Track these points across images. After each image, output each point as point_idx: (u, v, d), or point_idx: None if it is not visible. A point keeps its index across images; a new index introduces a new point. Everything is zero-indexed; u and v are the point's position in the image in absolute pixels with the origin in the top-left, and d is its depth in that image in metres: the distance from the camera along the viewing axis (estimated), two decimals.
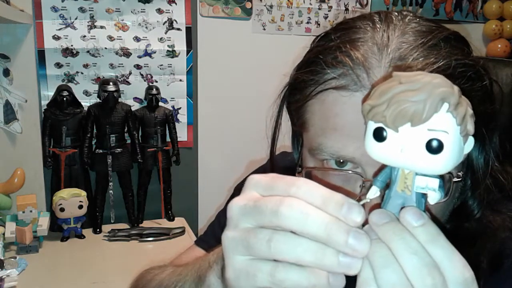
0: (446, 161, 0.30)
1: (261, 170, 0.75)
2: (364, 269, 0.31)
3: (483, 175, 0.50)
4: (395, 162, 0.31)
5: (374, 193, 0.34)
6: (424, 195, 0.32)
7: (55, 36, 1.35)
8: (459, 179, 0.46)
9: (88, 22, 1.37)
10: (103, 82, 1.32)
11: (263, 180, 0.36)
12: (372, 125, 0.31)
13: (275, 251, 0.32)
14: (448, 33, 0.48)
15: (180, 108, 1.51)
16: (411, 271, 0.30)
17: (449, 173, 0.45)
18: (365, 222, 0.32)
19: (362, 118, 0.34)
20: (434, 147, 0.29)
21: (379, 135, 0.31)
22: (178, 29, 1.46)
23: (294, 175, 0.48)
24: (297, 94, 0.51)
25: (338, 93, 0.45)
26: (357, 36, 0.47)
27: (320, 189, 0.33)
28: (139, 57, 1.43)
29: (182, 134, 1.51)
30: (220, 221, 0.75)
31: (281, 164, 0.67)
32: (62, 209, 1.20)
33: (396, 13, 0.49)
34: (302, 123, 0.51)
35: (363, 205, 0.32)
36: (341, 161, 0.47)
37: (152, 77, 1.46)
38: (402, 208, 0.32)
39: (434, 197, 0.32)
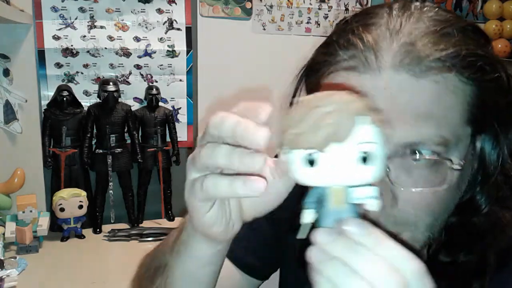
0: (376, 169, 0.32)
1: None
2: None
3: (494, 170, 0.50)
4: (331, 182, 0.32)
5: (310, 217, 0.34)
6: (357, 205, 0.33)
7: (55, 36, 1.35)
8: (459, 168, 0.46)
9: (88, 22, 1.37)
10: (103, 82, 1.32)
11: (200, 136, 0.39)
12: (300, 153, 0.31)
13: (205, 156, 0.37)
14: (465, 24, 0.48)
15: (180, 108, 1.51)
16: (373, 278, 0.31)
17: (449, 159, 0.45)
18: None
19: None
20: (366, 159, 0.31)
21: (312, 160, 0.31)
22: (178, 29, 1.46)
23: None
24: (313, 75, 0.53)
25: (347, 74, 0.46)
26: (372, 21, 0.48)
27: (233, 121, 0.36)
28: (139, 57, 1.43)
29: (182, 134, 1.51)
30: None
31: None
32: (62, 209, 1.20)
33: (416, 3, 0.49)
34: None
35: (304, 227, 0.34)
36: None
37: (152, 77, 1.46)
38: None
39: (373, 203, 0.33)
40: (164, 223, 1.38)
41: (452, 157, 0.46)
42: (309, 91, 0.53)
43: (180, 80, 1.49)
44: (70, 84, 1.36)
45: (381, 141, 0.32)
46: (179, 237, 0.49)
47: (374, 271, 0.32)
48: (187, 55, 1.48)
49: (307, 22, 1.66)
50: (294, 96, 0.56)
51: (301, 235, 0.34)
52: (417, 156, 0.45)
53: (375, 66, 0.45)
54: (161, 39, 1.45)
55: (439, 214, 0.50)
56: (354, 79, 0.46)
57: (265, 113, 0.35)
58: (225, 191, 0.36)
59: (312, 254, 0.33)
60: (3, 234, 1.10)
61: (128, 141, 1.38)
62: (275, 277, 1.30)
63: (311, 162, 0.32)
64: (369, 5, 1.74)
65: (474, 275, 0.52)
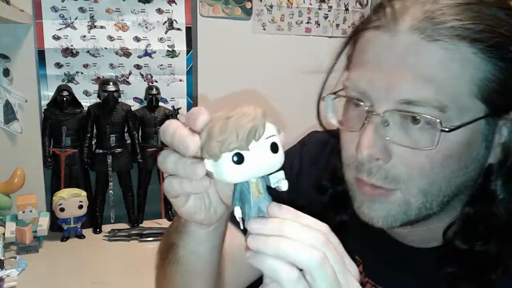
0: (282, 155, 0.40)
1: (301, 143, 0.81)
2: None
3: None
4: (256, 173, 0.39)
5: (238, 213, 0.42)
6: (271, 190, 0.41)
7: (55, 36, 1.35)
8: (450, 129, 0.48)
9: (88, 22, 1.37)
10: (103, 82, 1.32)
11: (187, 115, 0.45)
12: (228, 155, 0.38)
13: (159, 162, 0.45)
14: (497, 3, 0.50)
15: (180, 108, 1.51)
16: (291, 254, 0.38)
17: (439, 122, 0.48)
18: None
19: (382, 58, 0.49)
20: (275, 148, 0.39)
21: (239, 159, 0.38)
22: (178, 29, 1.46)
23: (332, 148, 0.69)
24: (353, 37, 0.57)
25: (371, 33, 0.52)
26: None
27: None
28: (139, 57, 1.43)
29: None
30: None
31: (321, 138, 0.77)
32: (62, 209, 1.20)
33: None
34: (348, 64, 0.56)
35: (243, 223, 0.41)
36: (360, 100, 0.52)
37: (152, 77, 1.46)
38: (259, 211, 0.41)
39: (284, 184, 0.41)
40: (164, 223, 1.38)
41: (445, 121, 0.48)
42: (348, 57, 0.57)
43: (180, 80, 1.49)
44: (70, 84, 1.36)
45: (278, 134, 0.40)
46: (180, 220, 0.56)
47: (306, 238, 0.39)
48: (187, 55, 1.48)
49: (307, 22, 1.66)
50: (336, 59, 0.61)
51: (242, 227, 0.41)
52: (413, 114, 0.48)
53: (394, 27, 0.49)
54: (161, 39, 1.45)
55: (434, 181, 0.51)
56: (376, 37, 0.51)
57: (201, 119, 0.41)
58: (178, 189, 0.44)
59: (248, 241, 0.40)
60: (3, 234, 1.10)
61: (128, 141, 1.38)
62: None
63: (241, 160, 0.38)
64: (369, 5, 1.73)
65: (491, 266, 0.53)
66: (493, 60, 0.48)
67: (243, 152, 0.38)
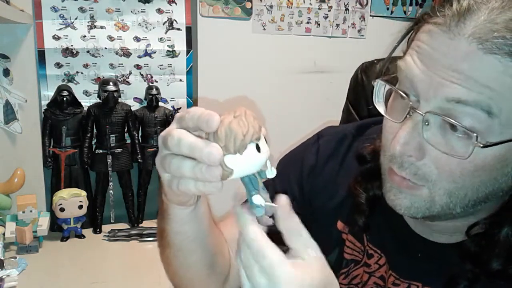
0: (264, 153, 0.47)
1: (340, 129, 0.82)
2: None
3: None
4: (251, 170, 0.47)
5: (260, 200, 0.48)
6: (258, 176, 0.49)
7: (55, 36, 1.35)
8: (485, 145, 0.49)
9: (88, 22, 1.37)
10: (103, 82, 1.31)
11: (178, 116, 0.51)
12: (252, 146, 0.46)
13: (174, 168, 0.49)
14: None
15: (180, 108, 1.51)
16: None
17: (475, 133, 0.48)
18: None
19: (437, 56, 0.49)
20: (260, 149, 0.46)
21: (258, 147, 0.46)
22: (178, 29, 1.46)
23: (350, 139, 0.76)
24: (416, 24, 0.56)
25: (433, 27, 0.51)
26: None
27: (200, 111, 0.48)
28: (139, 57, 1.43)
29: None
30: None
31: (340, 131, 0.79)
32: (62, 209, 1.20)
33: None
34: (407, 47, 0.57)
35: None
36: (407, 94, 0.53)
37: (152, 77, 1.46)
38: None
39: (273, 172, 0.49)
40: None
41: (483, 134, 0.48)
42: (409, 40, 0.57)
43: (180, 80, 1.49)
44: (70, 84, 1.36)
45: (262, 137, 0.47)
46: (163, 207, 0.63)
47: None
48: (187, 55, 1.48)
49: (307, 22, 1.66)
50: (399, 43, 0.60)
51: (263, 212, 0.48)
52: (453, 122, 0.49)
53: (455, 29, 0.49)
54: (161, 39, 1.45)
55: (462, 187, 0.52)
56: (436, 34, 0.50)
57: (215, 123, 0.46)
58: (194, 190, 0.48)
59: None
60: (3, 234, 1.10)
61: (128, 141, 1.38)
62: None
63: (259, 150, 0.46)
64: (369, 5, 1.73)
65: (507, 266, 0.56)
66: None
67: (259, 143, 0.46)
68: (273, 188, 0.80)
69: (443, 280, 0.61)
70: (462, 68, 0.48)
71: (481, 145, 0.48)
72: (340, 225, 0.74)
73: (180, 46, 1.47)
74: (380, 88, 0.58)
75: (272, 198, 0.49)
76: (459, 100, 0.48)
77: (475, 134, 0.48)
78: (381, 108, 0.58)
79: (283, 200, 0.48)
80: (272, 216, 0.48)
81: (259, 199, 0.48)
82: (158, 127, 1.38)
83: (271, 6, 1.59)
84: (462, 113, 0.48)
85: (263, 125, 0.48)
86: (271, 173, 0.49)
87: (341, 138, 0.78)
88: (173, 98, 1.50)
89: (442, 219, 0.58)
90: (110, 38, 1.40)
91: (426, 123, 0.51)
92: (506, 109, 0.48)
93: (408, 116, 0.52)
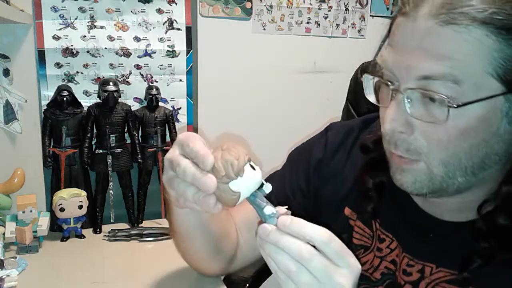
0: (258, 170, 0.56)
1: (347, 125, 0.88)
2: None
3: None
4: (252, 188, 0.56)
5: (272, 209, 0.55)
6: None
7: (55, 36, 1.35)
8: (459, 105, 0.53)
9: (88, 22, 1.37)
10: (103, 82, 1.31)
11: (180, 141, 0.60)
12: (247, 166, 0.55)
13: (180, 191, 0.59)
14: None
15: (180, 108, 1.51)
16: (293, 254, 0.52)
17: (448, 98, 0.53)
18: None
19: (404, 41, 0.56)
20: (254, 167, 0.56)
21: (252, 166, 0.56)
22: (178, 29, 1.46)
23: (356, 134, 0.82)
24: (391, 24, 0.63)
25: (399, 18, 0.58)
26: None
27: (198, 149, 0.57)
28: (139, 57, 1.43)
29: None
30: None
31: (346, 125, 0.86)
32: (62, 209, 1.20)
33: None
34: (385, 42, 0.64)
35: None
36: (389, 81, 0.59)
37: (152, 77, 1.46)
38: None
39: (269, 187, 0.57)
40: (164, 223, 1.38)
41: (457, 99, 0.53)
42: (386, 37, 0.65)
43: (180, 80, 1.49)
44: (70, 84, 1.36)
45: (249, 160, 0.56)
46: (167, 201, 0.73)
47: (297, 250, 0.51)
48: (187, 55, 1.48)
49: (307, 22, 1.66)
50: (383, 41, 0.66)
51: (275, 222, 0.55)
52: (428, 92, 0.55)
53: (415, 14, 0.55)
54: (161, 39, 1.45)
55: (454, 153, 0.57)
56: (402, 23, 0.57)
57: (209, 163, 0.55)
58: (198, 209, 0.59)
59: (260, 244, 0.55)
60: (3, 234, 1.10)
61: (128, 141, 1.38)
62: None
63: (253, 168, 0.56)
64: (369, 5, 1.73)
65: None
66: (505, 40, 0.52)
67: (252, 166, 0.55)
68: (282, 179, 0.87)
69: (456, 260, 0.63)
70: (425, 46, 0.54)
71: (455, 106, 0.53)
72: (347, 211, 0.78)
73: (180, 46, 1.47)
74: (368, 81, 0.64)
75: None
76: (426, 77, 0.54)
77: (447, 98, 0.53)
78: (372, 98, 0.64)
79: (283, 210, 0.55)
80: None
81: (270, 209, 0.54)
82: (158, 127, 1.38)
83: (271, 6, 1.59)
84: (434, 85, 0.54)
85: (249, 150, 0.56)
86: (268, 188, 0.57)
87: (348, 131, 0.83)
88: (173, 98, 1.50)
89: (449, 193, 0.61)
90: (110, 38, 1.40)
91: (409, 100, 0.56)
92: (472, 72, 0.53)
93: (392, 98, 0.58)
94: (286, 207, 0.55)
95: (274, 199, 0.59)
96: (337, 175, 0.81)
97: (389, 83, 0.58)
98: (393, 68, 0.58)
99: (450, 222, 0.66)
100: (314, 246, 0.52)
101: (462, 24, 0.52)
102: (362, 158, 0.76)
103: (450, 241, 0.66)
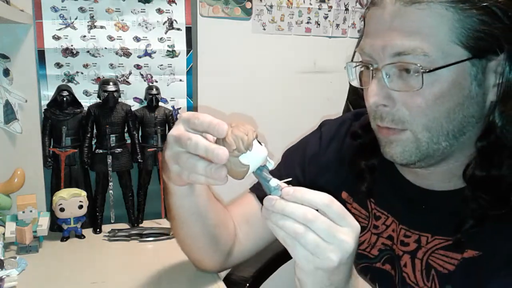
0: (264, 146, 0.60)
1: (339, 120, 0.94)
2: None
3: None
4: (260, 160, 0.60)
5: (277, 181, 0.59)
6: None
7: (55, 36, 1.35)
8: (430, 70, 0.60)
9: (88, 22, 1.37)
10: (103, 82, 1.31)
11: (185, 118, 0.62)
12: (255, 142, 0.59)
13: (189, 166, 0.61)
14: None
15: (180, 108, 1.51)
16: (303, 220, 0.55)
17: (420, 66, 0.60)
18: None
19: (377, 27, 0.64)
20: (261, 143, 0.59)
21: (260, 143, 0.59)
22: (178, 29, 1.46)
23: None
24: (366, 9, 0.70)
25: (370, 10, 0.66)
26: None
27: (210, 119, 0.60)
28: (139, 57, 1.43)
29: None
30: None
31: (338, 120, 0.93)
32: (62, 209, 1.20)
33: None
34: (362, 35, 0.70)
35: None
36: (369, 63, 0.66)
37: (152, 77, 1.46)
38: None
39: (272, 163, 0.61)
40: (164, 223, 1.38)
41: (430, 68, 0.60)
42: (362, 30, 0.71)
43: (180, 80, 1.49)
44: (70, 84, 1.36)
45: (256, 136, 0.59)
46: (166, 186, 0.76)
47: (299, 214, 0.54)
48: (187, 55, 1.48)
49: (307, 22, 1.66)
50: (360, 37, 0.71)
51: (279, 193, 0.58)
52: (402, 64, 0.61)
53: (382, 3, 0.63)
54: (161, 39, 1.45)
55: (434, 118, 0.63)
56: (373, 12, 0.65)
57: (225, 130, 0.58)
58: (203, 181, 0.62)
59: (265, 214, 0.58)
60: (3, 234, 1.10)
61: (128, 141, 1.38)
62: (281, 275, 1.30)
63: (260, 143, 0.59)
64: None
65: (509, 189, 0.63)
66: (464, 11, 0.59)
67: (252, 145, 0.58)
68: (278, 172, 0.92)
69: (450, 227, 0.67)
70: (395, 26, 0.61)
71: (427, 71, 0.60)
72: (344, 194, 0.84)
73: (180, 46, 1.47)
74: (351, 69, 0.71)
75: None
76: (400, 53, 0.61)
77: (419, 65, 0.60)
78: (355, 83, 0.71)
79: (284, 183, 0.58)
80: None
81: (275, 181, 0.58)
82: (158, 127, 1.38)
83: (271, 6, 1.59)
84: (407, 58, 0.60)
85: (256, 128, 0.60)
86: (271, 164, 0.60)
87: (341, 123, 0.91)
88: (173, 98, 1.50)
89: (435, 158, 0.66)
90: (110, 38, 1.40)
91: (388, 76, 0.63)
92: (438, 43, 0.59)
93: (373, 77, 0.64)
94: (290, 179, 0.60)
95: None
96: (333, 164, 0.87)
97: (369, 65, 0.65)
98: (371, 52, 0.64)
99: (440, 191, 0.71)
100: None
101: (424, 2, 0.59)
102: (354, 145, 0.82)
103: (442, 210, 0.70)
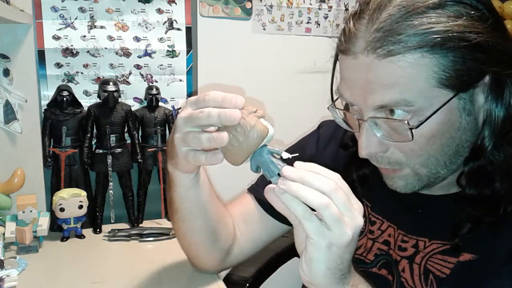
0: (271, 129, 0.62)
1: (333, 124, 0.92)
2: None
3: (500, 115, 0.61)
4: (272, 130, 0.61)
5: (287, 155, 0.60)
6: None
7: (55, 36, 1.35)
8: (417, 125, 0.59)
9: (88, 22, 1.37)
10: (103, 82, 1.31)
11: (192, 100, 0.65)
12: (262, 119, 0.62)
13: (194, 141, 0.63)
14: (427, 4, 0.57)
15: (180, 108, 1.51)
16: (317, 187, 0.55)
17: (406, 121, 0.58)
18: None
19: (353, 76, 0.62)
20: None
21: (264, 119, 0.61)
22: (178, 29, 1.46)
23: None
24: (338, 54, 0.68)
25: (341, 56, 0.64)
26: (363, 9, 0.62)
27: (223, 94, 0.61)
28: (139, 57, 1.43)
29: None
30: None
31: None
32: (62, 209, 1.20)
33: None
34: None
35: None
36: (350, 111, 0.66)
37: (152, 77, 1.46)
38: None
39: (286, 153, 0.61)
40: (164, 223, 1.38)
41: (417, 114, 0.58)
42: (334, 61, 0.70)
43: (180, 80, 1.49)
44: (70, 84, 1.36)
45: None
46: (169, 177, 0.79)
47: (306, 193, 0.54)
48: (187, 55, 1.48)
49: (307, 22, 1.66)
50: (332, 74, 0.72)
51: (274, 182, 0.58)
52: (386, 119, 0.60)
53: (353, 51, 0.60)
54: (161, 39, 1.45)
55: (429, 156, 0.62)
56: (344, 60, 0.63)
57: (243, 101, 0.59)
58: (204, 162, 0.64)
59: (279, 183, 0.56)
60: (3, 234, 1.10)
61: (128, 141, 1.38)
62: (281, 275, 1.30)
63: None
64: (369, 5, 1.74)
65: (503, 202, 0.63)
66: (440, 54, 0.56)
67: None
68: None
69: (447, 231, 0.67)
70: (371, 79, 0.58)
71: (415, 126, 0.59)
72: None
73: (180, 46, 1.47)
74: (335, 112, 0.70)
75: None
76: (382, 106, 0.59)
77: (406, 123, 0.58)
78: (344, 126, 0.70)
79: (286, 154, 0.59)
80: None
81: (287, 154, 0.59)
82: (158, 127, 1.38)
83: (271, 6, 1.59)
84: (391, 110, 0.59)
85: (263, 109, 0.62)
86: (285, 154, 0.59)
87: (338, 125, 0.89)
88: (173, 98, 1.50)
89: (437, 183, 0.67)
90: (110, 38, 1.40)
91: (375, 125, 0.62)
92: (419, 91, 0.57)
93: (360, 125, 0.63)
94: (297, 154, 0.60)
95: None
96: (329, 166, 0.86)
97: (354, 113, 0.64)
98: (352, 101, 0.63)
99: (436, 196, 0.71)
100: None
101: (399, 54, 0.56)
102: (347, 154, 0.82)
103: (439, 214, 0.71)
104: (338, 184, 0.55)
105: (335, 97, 0.69)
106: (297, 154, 0.59)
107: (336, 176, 0.56)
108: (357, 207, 0.56)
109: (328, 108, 0.70)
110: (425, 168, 0.63)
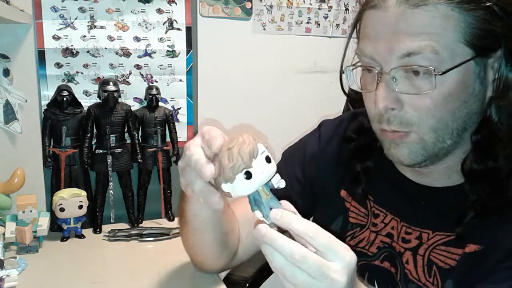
0: (274, 164, 0.54)
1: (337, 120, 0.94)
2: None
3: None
4: (262, 182, 0.53)
5: (260, 215, 0.54)
6: (271, 189, 0.55)
7: (55, 36, 1.35)
8: (443, 72, 0.60)
9: (88, 22, 1.37)
10: (103, 82, 1.31)
11: (203, 131, 0.60)
12: (240, 175, 0.51)
13: (189, 179, 0.63)
14: None
15: (180, 108, 1.51)
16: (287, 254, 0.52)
17: (433, 69, 0.60)
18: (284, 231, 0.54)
19: (380, 29, 0.63)
20: (269, 159, 0.53)
21: (248, 175, 0.51)
22: (178, 29, 1.46)
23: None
24: (359, 14, 0.70)
25: (369, 12, 0.65)
26: None
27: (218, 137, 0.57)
28: (139, 57, 1.43)
29: (182, 134, 1.51)
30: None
31: (335, 121, 0.93)
32: (62, 209, 1.20)
33: None
34: (358, 38, 0.71)
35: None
36: (371, 66, 0.66)
37: (152, 77, 1.46)
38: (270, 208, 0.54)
39: (283, 182, 0.56)
40: (164, 223, 1.38)
41: (438, 68, 0.60)
42: (357, 32, 0.71)
43: (180, 80, 1.49)
44: (70, 84, 1.36)
45: (267, 149, 0.53)
46: (181, 206, 0.78)
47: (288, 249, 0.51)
48: (187, 55, 1.48)
49: (307, 22, 1.66)
50: (353, 29, 0.73)
51: (268, 222, 0.54)
52: (412, 67, 0.61)
53: (384, 4, 0.63)
54: (161, 39, 1.45)
55: (441, 118, 0.63)
56: (373, 14, 0.64)
57: (217, 145, 0.56)
58: (202, 201, 0.62)
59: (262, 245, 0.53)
60: (3, 234, 1.10)
61: (128, 141, 1.38)
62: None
63: (250, 176, 0.51)
64: None
65: (507, 180, 0.64)
66: (469, 11, 0.60)
67: (250, 170, 0.51)
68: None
69: (450, 223, 0.68)
70: (401, 28, 0.61)
71: (440, 73, 0.60)
72: (343, 193, 0.85)
73: (180, 46, 1.47)
74: (350, 73, 0.71)
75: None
76: (408, 54, 0.60)
77: (432, 68, 0.60)
78: (355, 87, 0.70)
79: (287, 205, 0.56)
80: None
81: (258, 214, 0.54)
82: (158, 127, 1.38)
83: (271, 6, 1.59)
84: (416, 60, 0.60)
85: (266, 142, 0.57)
86: (281, 184, 0.55)
87: (339, 123, 0.91)
88: (173, 98, 1.50)
89: (439, 157, 0.67)
90: (110, 38, 1.40)
91: (394, 79, 0.63)
92: (446, 42, 0.60)
93: (378, 81, 0.64)
94: (284, 186, 0.57)
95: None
96: (331, 163, 0.87)
97: (372, 68, 0.65)
98: (374, 54, 0.64)
99: (439, 188, 0.72)
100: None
101: (430, 4, 0.60)
102: (350, 148, 0.83)
103: (442, 206, 0.71)
104: (312, 239, 0.52)
105: (346, 64, 0.71)
106: (284, 186, 0.56)
107: (309, 230, 0.52)
108: (337, 267, 0.51)
109: (343, 70, 0.71)
110: (433, 133, 0.64)
